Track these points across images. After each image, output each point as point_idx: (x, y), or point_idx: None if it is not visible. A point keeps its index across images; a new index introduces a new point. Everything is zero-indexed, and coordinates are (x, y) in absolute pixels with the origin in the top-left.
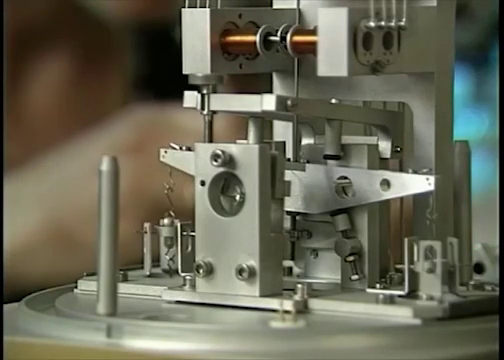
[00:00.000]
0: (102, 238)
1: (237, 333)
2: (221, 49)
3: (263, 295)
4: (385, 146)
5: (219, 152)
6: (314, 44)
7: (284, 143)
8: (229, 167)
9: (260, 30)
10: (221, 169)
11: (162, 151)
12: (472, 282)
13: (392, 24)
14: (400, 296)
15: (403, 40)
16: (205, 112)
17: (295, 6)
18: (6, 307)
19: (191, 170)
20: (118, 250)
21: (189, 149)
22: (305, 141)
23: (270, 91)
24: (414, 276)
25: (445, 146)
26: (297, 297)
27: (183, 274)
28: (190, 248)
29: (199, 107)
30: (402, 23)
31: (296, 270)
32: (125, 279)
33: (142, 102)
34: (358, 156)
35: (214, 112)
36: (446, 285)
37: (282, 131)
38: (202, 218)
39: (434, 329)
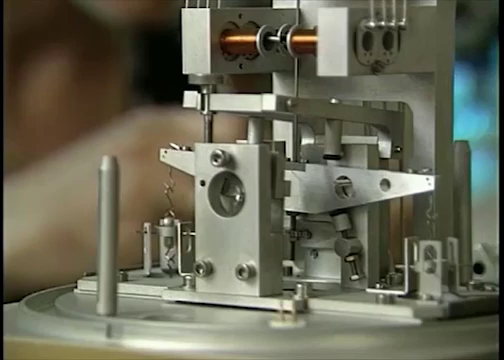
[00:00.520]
0: (102, 238)
1: (237, 333)
2: (221, 49)
3: (263, 295)
4: (385, 146)
5: (219, 152)
6: (314, 44)
7: (284, 143)
8: (229, 167)
9: (260, 30)
10: (221, 169)
11: (162, 151)
12: (472, 282)
13: (392, 24)
14: (400, 296)
15: (403, 40)
16: (205, 112)
17: (295, 6)
18: (6, 307)
19: (191, 170)
20: (118, 250)
21: (189, 149)
22: (305, 141)
23: (270, 91)
24: (414, 276)
25: (445, 146)
26: (297, 297)
27: (183, 274)
28: (190, 248)
29: (199, 107)
30: (402, 23)
31: (296, 270)
32: (125, 279)
33: (143, 104)
34: (358, 156)
35: (214, 112)
36: (446, 285)
37: (282, 131)
38: (202, 218)
39: (434, 329)
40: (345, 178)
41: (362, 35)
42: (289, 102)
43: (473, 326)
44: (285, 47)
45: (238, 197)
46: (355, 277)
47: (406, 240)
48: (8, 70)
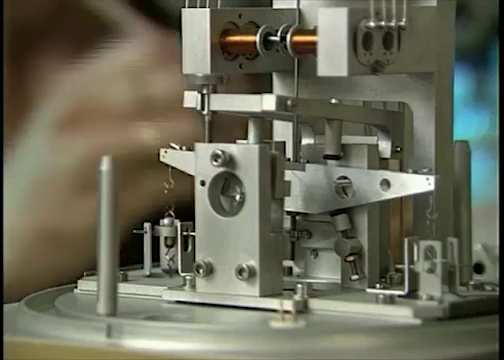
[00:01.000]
0: (102, 238)
1: (237, 333)
2: (221, 49)
3: (263, 295)
4: (385, 146)
5: (219, 152)
6: (314, 44)
7: (284, 143)
8: (229, 167)
9: (260, 30)
10: (221, 169)
11: (162, 151)
12: (472, 282)
13: (392, 24)
14: (400, 296)
15: (403, 40)
16: (205, 112)
17: (295, 6)
18: (6, 307)
19: (191, 170)
20: (118, 250)
21: (189, 149)
22: (305, 141)
23: (270, 91)
24: (414, 276)
25: (445, 146)
26: (297, 297)
27: (183, 274)
28: (190, 248)
29: (199, 107)
30: (402, 23)
31: (296, 270)
32: (125, 279)
33: None
34: (358, 156)
35: (214, 112)
36: (446, 285)
37: (282, 131)
38: (202, 218)
39: (434, 329)
40: (345, 178)
41: (362, 35)
42: (289, 102)
43: (473, 326)
44: (285, 47)
45: (238, 197)
46: (355, 277)
47: (406, 240)
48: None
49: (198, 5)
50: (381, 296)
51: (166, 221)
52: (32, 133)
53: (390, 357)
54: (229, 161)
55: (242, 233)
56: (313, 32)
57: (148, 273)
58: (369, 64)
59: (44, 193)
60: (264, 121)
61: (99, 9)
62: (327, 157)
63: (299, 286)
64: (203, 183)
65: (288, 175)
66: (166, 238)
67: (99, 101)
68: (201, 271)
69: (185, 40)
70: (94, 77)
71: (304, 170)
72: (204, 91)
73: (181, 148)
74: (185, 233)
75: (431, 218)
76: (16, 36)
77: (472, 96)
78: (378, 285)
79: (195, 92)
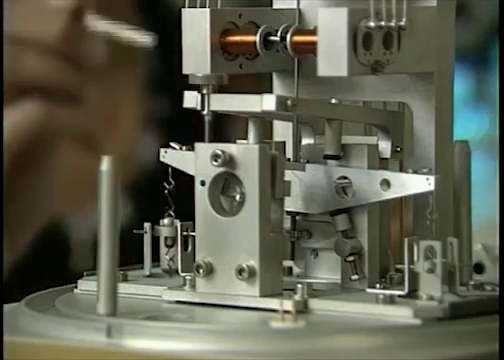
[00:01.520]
0: (102, 238)
1: (237, 333)
2: (221, 49)
3: (263, 295)
4: (385, 146)
5: (219, 152)
6: (314, 44)
7: (284, 143)
8: (229, 167)
9: (260, 30)
10: (221, 169)
11: (162, 151)
12: (472, 282)
13: (392, 24)
14: (400, 296)
15: (403, 40)
16: (205, 112)
17: (295, 6)
18: (6, 307)
19: (191, 170)
20: (118, 250)
21: (189, 149)
22: (305, 141)
23: (270, 91)
24: (414, 276)
25: (445, 146)
26: (297, 297)
27: (183, 274)
28: (190, 248)
29: (199, 107)
30: (402, 23)
31: (296, 270)
32: (125, 279)
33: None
34: (358, 156)
35: (214, 112)
36: (446, 285)
37: (282, 131)
38: (202, 218)
39: (434, 329)
40: (345, 178)
41: (362, 35)
42: (289, 102)
43: (473, 326)
44: (285, 47)
45: (238, 197)
46: (355, 277)
47: (406, 240)
48: None
49: (198, 5)
50: (381, 296)
51: (166, 221)
52: None
53: (390, 357)
54: (229, 161)
55: (242, 233)
56: (313, 32)
57: (148, 273)
58: (369, 64)
59: None
60: (264, 121)
61: None
62: (327, 157)
63: (299, 286)
64: (203, 183)
65: (288, 175)
66: (166, 238)
67: None
68: (201, 271)
69: (185, 40)
70: None
71: (304, 170)
72: (204, 91)
73: (181, 148)
74: (185, 233)
75: (431, 218)
76: None
77: (472, 96)
78: (378, 285)
79: (195, 92)
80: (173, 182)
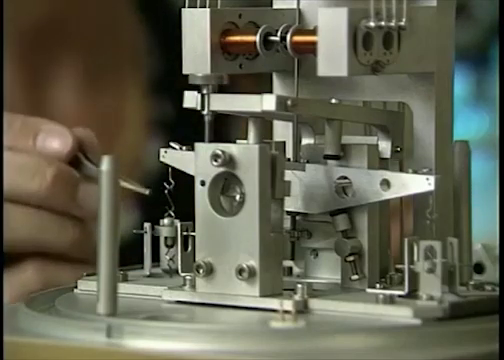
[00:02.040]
0: (102, 238)
1: (237, 333)
2: (221, 49)
3: (263, 295)
4: (385, 146)
5: (219, 152)
6: (314, 44)
7: (284, 143)
8: (229, 167)
9: (260, 30)
10: (221, 169)
11: (162, 151)
12: (472, 282)
13: (392, 24)
14: (400, 296)
15: (403, 40)
16: (205, 112)
17: (295, 6)
18: (6, 307)
19: (191, 170)
20: (118, 250)
21: (189, 149)
22: (305, 141)
23: (270, 91)
24: (414, 276)
25: (445, 146)
26: (297, 297)
27: (183, 274)
28: (190, 248)
29: (199, 107)
30: (402, 23)
31: (296, 270)
32: (125, 279)
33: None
34: (358, 156)
35: (214, 112)
36: (446, 285)
37: (282, 131)
38: (202, 218)
39: (434, 329)
40: (345, 178)
41: (362, 35)
42: (289, 102)
43: (473, 326)
44: (285, 47)
45: (238, 197)
46: (355, 277)
47: (406, 240)
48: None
49: (198, 5)
50: (381, 296)
51: (166, 221)
52: None
53: (390, 357)
54: (229, 161)
55: (242, 233)
56: (313, 32)
57: (148, 273)
58: (369, 64)
59: None
60: (264, 121)
61: None
62: (327, 157)
63: (299, 286)
64: (203, 183)
65: (288, 175)
66: (166, 238)
67: None
68: (201, 271)
69: (185, 40)
70: None
71: (304, 170)
72: (204, 91)
73: (181, 148)
74: (185, 233)
75: (431, 218)
76: None
77: (472, 96)
78: (378, 285)
79: (195, 92)
80: (173, 182)
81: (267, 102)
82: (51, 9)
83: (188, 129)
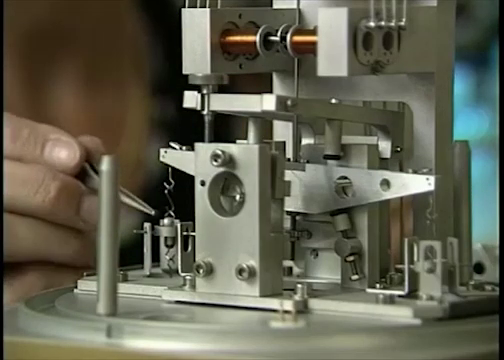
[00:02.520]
0: (102, 238)
1: (237, 333)
2: (221, 49)
3: (263, 295)
4: (385, 146)
5: (219, 152)
6: (314, 44)
7: (284, 143)
8: (229, 167)
9: (260, 30)
10: (221, 169)
11: (162, 151)
12: (472, 282)
13: (392, 24)
14: (400, 296)
15: (403, 40)
16: (205, 112)
17: (295, 6)
18: (6, 307)
19: (191, 170)
20: (118, 250)
21: (189, 149)
22: (305, 141)
23: (270, 91)
24: (414, 276)
25: (445, 146)
26: (297, 297)
27: (183, 274)
28: (190, 248)
29: (199, 107)
30: (402, 23)
31: (296, 270)
32: (125, 279)
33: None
34: (358, 156)
35: (214, 112)
36: (446, 285)
37: (282, 131)
38: (202, 218)
39: (434, 329)
40: (345, 178)
41: (362, 35)
42: (289, 102)
43: (473, 326)
44: (285, 47)
45: (238, 197)
46: (355, 277)
47: (406, 240)
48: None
49: (198, 5)
50: (381, 296)
51: (166, 221)
52: None
53: (390, 357)
54: (229, 161)
55: (242, 233)
56: (313, 32)
57: (148, 273)
58: (369, 64)
59: None
60: (264, 121)
61: None
62: (327, 157)
63: (299, 286)
64: (203, 183)
65: (288, 175)
66: (166, 238)
67: None
68: (201, 271)
69: (185, 40)
70: None
71: (304, 170)
72: (204, 91)
73: (181, 148)
74: (185, 233)
75: (431, 218)
76: None
77: (472, 96)
78: (378, 285)
79: (195, 92)
80: (173, 182)
81: (267, 102)
82: (52, 10)
83: (188, 129)
